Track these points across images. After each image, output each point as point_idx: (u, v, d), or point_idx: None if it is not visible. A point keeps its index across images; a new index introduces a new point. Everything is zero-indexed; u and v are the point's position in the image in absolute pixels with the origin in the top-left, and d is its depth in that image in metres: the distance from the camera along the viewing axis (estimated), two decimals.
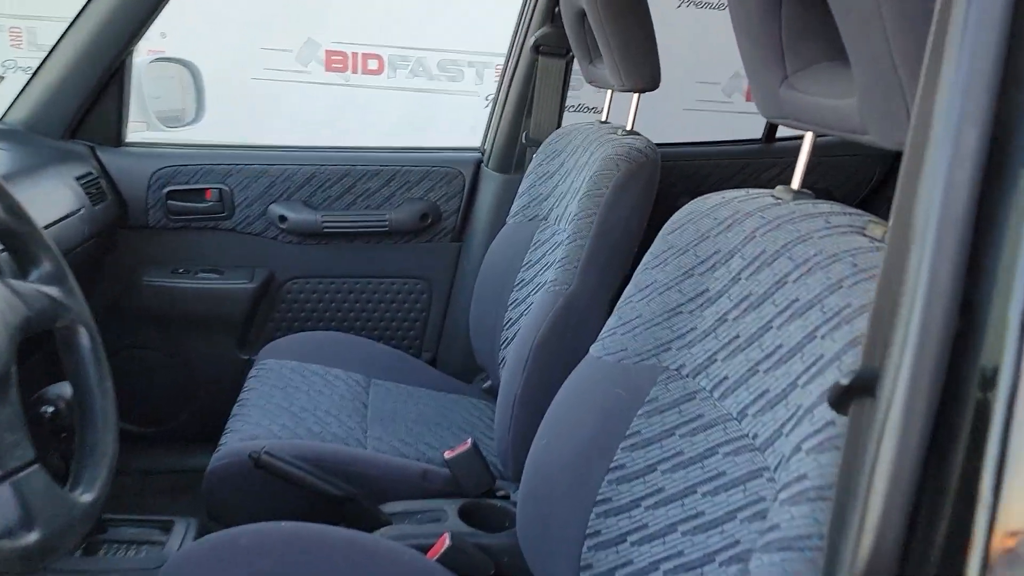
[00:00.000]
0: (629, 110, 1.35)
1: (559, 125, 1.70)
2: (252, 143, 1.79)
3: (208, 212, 1.70)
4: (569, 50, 1.65)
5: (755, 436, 0.70)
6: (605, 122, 1.48)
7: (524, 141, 1.71)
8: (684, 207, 0.90)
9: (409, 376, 1.59)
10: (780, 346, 0.69)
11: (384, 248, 1.80)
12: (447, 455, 1.22)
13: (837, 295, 0.62)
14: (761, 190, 0.83)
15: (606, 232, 1.20)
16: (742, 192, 0.85)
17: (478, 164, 1.80)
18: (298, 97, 3.47)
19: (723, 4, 2.90)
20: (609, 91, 1.46)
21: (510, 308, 1.49)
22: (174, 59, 1.78)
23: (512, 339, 1.46)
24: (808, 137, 0.77)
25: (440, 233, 1.81)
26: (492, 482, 1.22)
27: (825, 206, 0.73)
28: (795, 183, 0.79)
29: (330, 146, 1.80)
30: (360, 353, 1.61)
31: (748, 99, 3.03)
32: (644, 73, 1.29)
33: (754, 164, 1.88)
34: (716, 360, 0.78)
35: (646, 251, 0.91)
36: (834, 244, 0.66)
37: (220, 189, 1.70)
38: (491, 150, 1.79)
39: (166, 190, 1.66)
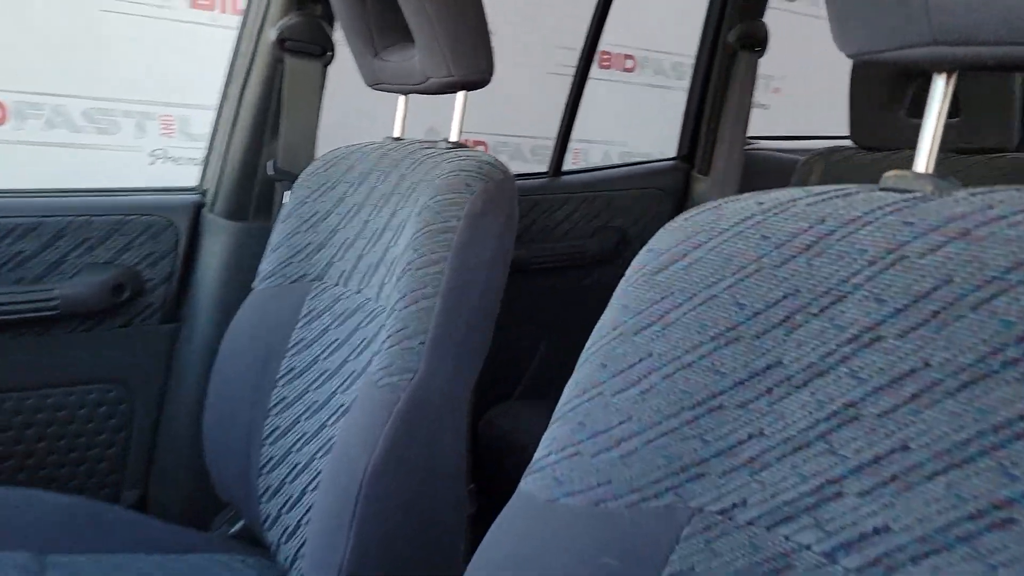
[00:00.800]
0: (453, 115, 0.96)
1: (314, 149, 1.27)
2: None
3: None
4: (326, 48, 1.23)
5: None
6: (399, 138, 1.07)
7: (272, 173, 1.24)
8: (674, 223, 0.53)
9: (109, 538, 1.05)
10: None
11: (52, 341, 1.23)
12: None
13: None
14: (849, 186, 0.49)
15: (464, 285, 0.79)
16: (800, 191, 0.50)
17: (198, 209, 1.30)
18: None
19: None
20: (403, 97, 1.07)
21: (274, 413, 1.03)
22: None
23: (282, 459, 0.99)
24: (941, 82, 0.45)
25: (143, 312, 1.28)
26: None
27: None
28: (920, 165, 0.47)
29: None
30: (22, 515, 1.04)
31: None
32: (478, 63, 0.91)
33: (545, 201, 1.62)
34: (844, 495, 0.42)
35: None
36: None
37: None
38: (216, 189, 1.29)
39: None
